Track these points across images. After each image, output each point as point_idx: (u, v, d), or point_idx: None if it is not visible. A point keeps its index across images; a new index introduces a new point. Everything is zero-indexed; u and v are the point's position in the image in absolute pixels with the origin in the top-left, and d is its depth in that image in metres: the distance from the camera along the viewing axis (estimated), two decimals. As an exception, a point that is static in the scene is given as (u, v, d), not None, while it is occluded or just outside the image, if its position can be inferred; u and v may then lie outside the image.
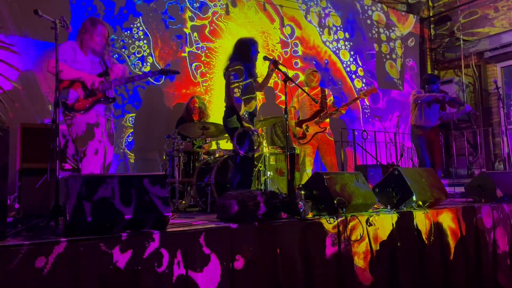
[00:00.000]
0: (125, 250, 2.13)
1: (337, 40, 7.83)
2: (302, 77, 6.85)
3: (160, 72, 3.93)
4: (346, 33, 7.95)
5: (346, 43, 7.94)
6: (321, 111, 5.11)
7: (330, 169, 5.04)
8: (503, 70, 8.33)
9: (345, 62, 7.86)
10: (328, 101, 5.21)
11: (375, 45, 8.37)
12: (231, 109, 3.99)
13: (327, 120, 5.17)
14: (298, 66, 7.20)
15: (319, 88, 5.30)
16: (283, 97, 6.77)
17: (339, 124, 7.36)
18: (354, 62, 7.99)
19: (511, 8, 8.07)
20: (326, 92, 5.28)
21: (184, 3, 6.17)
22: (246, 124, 3.90)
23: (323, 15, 7.68)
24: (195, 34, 6.22)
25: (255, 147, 3.97)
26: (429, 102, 5.68)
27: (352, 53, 7.98)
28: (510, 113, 8.07)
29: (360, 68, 8.06)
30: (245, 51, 4.05)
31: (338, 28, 7.87)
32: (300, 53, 7.31)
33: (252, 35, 4.47)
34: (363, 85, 8.03)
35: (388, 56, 8.57)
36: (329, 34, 7.72)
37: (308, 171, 5.02)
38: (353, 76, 7.93)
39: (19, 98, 4.74)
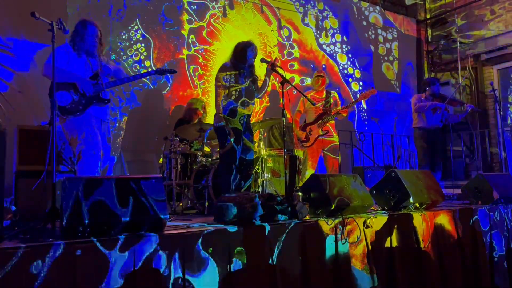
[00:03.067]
0: (122, 252, 2.13)
1: (334, 43, 7.84)
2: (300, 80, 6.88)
3: (156, 72, 3.93)
4: (344, 36, 7.97)
5: (344, 46, 7.95)
6: (324, 114, 5.13)
7: (331, 171, 5.05)
8: (500, 72, 8.37)
9: (341, 65, 7.88)
10: (330, 104, 5.21)
11: (372, 47, 8.39)
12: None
13: (332, 122, 5.18)
14: (295, 68, 7.21)
15: (325, 91, 5.31)
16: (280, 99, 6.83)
17: (337, 126, 7.37)
18: (351, 65, 8.01)
19: (507, 11, 8.11)
20: (331, 95, 5.29)
21: (181, 5, 6.18)
22: (226, 121, 3.92)
23: (320, 17, 7.70)
24: (192, 36, 6.22)
25: (225, 144, 3.96)
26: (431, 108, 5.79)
27: (350, 55, 8.00)
28: (507, 115, 8.10)
29: (357, 70, 8.07)
30: (241, 54, 4.02)
31: (335, 30, 7.88)
32: (297, 55, 7.31)
33: (250, 37, 4.46)
34: (360, 87, 8.04)
35: (386, 58, 8.59)
36: (326, 36, 7.74)
37: (307, 174, 5.02)
38: (350, 79, 7.94)
39: (16, 100, 4.73)
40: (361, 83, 8.06)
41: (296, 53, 7.31)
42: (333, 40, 7.83)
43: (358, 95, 5.48)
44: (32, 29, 4.79)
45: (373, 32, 8.46)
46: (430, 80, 6.20)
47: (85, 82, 3.47)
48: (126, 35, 5.66)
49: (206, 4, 6.41)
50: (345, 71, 7.91)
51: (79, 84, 3.45)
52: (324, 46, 7.69)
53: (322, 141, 5.11)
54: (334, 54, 7.81)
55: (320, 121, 5.12)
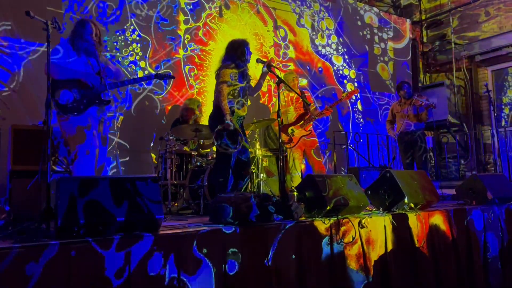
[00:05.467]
0: (117, 252, 2.12)
1: (330, 44, 7.85)
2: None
3: (155, 76, 3.92)
4: (340, 38, 7.98)
5: (339, 47, 7.97)
6: (305, 114, 5.13)
7: (317, 171, 5.07)
8: (494, 74, 8.42)
9: (336, 65, 7.88)
10: (311, 104, 5.22)
11: (367, 47, 8.41)
12: (220, 110, 3.92)
13: (311, 122, 5.19)
14: (290, 69, 7.21)
15: (299, 91, 5.31)
16: (274, 99, 6.83)
17: (333, 127, 7.39)
18: (346, 66, 8.02)
19: (502, 12, 8.16)
20: (305, 95, 5.32)
21: (177, 5, 6.17)
22: (227, 121, 3.85)
23: (316, 18, 7.71)
24: (188, 36, 6.21)
25: (236, 145, 3.90)
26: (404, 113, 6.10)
27: (346, 57, 8.01)
28: (501, 116, 8.15)
29: (352, 71, 8.09)
30: (239, 52, 4.01)
31: (331, 31, 7.89)
32: (293, 55, 7.32)
33: (246, 38, 4.43)
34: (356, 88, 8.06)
35: (381, 58, 8.61)
36: (322, 37, 7.75)
37: (299, 174, 5.03)
38: (345, 81, 7.95)
39: (10, 100, 4.71)
40: (355, 84, 8.07)
41: (292, 53, 7.32)
42: (329, 42, 7.84)
43: (342, 94, 5.50)
44: (27, 29, 4.77)
45: (369, 32, 8.49)
46: (398, 86, 6.38)
47: (91, 76, 3.44)
48: (122, 35, 5.64)
49: (202, 4, 6.40)
50: (340, 72, 7.92)
51: (85, 79, 3.41)
52: (320, 48, 7.70)
53: (306, 141, 5.12)
54: (330, 56, 7.82)
55: (303, 121, 5.12)
